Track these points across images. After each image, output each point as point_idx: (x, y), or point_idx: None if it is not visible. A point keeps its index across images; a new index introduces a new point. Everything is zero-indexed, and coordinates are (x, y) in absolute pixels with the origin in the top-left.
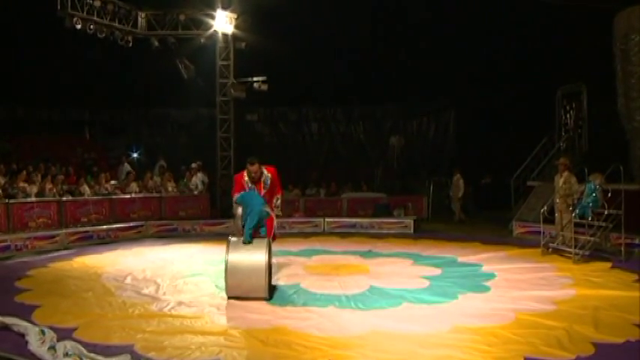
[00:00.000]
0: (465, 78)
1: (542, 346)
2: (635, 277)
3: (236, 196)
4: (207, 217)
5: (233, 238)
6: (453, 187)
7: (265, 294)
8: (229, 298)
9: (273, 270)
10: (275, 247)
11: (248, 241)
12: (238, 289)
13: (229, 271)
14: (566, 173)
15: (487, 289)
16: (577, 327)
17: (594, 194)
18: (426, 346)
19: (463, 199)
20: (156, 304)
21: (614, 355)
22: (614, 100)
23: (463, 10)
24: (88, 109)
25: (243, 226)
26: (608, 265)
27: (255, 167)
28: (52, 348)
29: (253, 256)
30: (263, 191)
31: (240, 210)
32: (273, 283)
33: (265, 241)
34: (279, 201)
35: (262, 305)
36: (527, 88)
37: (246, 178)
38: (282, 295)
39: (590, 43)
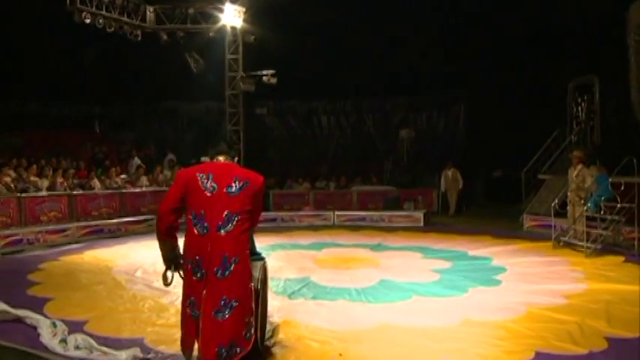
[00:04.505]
0: (475, 70)
1: (554, 340)
2: None
3: None
4: None
5: None
6: (448, 181)
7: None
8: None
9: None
10: (285, 240)
11: None
12: None
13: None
14: (580, 166)
15: (498, 282)
16: (589, 321)
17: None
18: (437, 340)
19: (461, 192)
20: (166, 297)
21: (626, 349)
22: (627, 92)
23: (472, 3)
24: (98, 104)
25: None
26: (621, 258)
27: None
28: (64, 341)
29: None
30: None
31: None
32: (283, 277)
33: (259, 264)
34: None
35: (272, 298)
36: (539, 81)
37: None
38: (292, 288)
39: (603, 35)
